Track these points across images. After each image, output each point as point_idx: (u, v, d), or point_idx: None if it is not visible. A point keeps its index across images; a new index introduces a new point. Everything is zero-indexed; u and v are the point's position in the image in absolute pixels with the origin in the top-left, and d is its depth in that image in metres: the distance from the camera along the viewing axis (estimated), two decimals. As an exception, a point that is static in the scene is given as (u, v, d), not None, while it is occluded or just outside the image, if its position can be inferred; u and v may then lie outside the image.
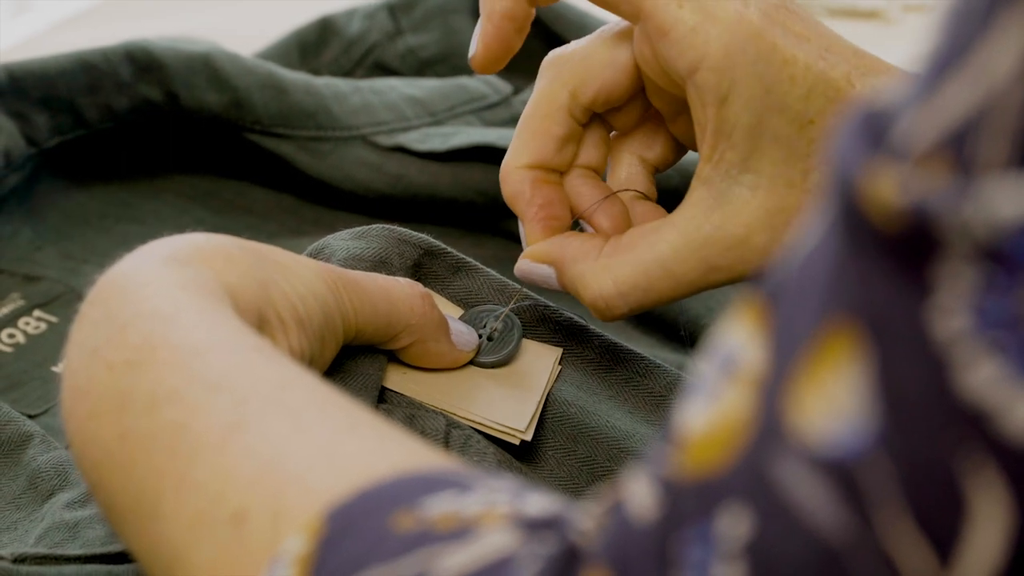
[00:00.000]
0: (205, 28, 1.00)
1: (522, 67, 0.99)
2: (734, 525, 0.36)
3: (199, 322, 0.51)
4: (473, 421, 0.63)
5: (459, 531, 0.41)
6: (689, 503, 0.37)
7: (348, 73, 0.98)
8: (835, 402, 0.34)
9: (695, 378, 0.39)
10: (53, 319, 0.84)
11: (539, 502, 0.42)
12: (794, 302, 0.36)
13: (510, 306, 0.67)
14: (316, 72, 0.97)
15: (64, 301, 0.85)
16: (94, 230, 0.90)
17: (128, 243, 0.63)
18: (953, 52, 0.33)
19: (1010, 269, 0.32)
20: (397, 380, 0.64)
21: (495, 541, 0.41)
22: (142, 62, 0.88)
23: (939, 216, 0.32)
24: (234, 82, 0.89)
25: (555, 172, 0.66)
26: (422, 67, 0.99)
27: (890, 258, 0.33)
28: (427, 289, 0.63)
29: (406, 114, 0.91)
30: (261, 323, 0.55)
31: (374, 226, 0.66)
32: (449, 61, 0.99)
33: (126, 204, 0.92)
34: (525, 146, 0.65)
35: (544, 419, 0.65)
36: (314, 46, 0.99)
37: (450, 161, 0.88)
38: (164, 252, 0.55)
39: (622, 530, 0.39)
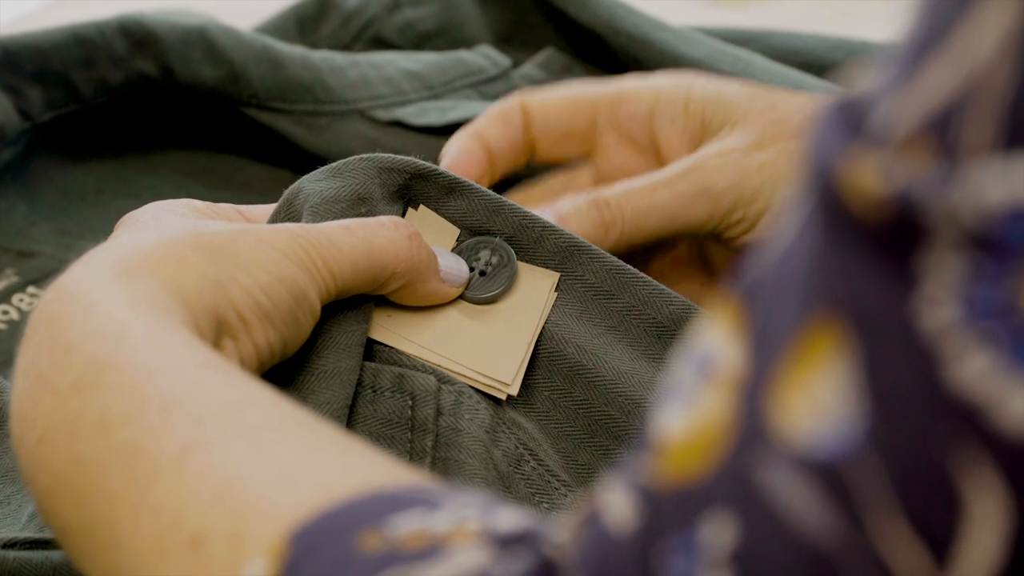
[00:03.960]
0: (202, 2, 0.99)
1: (522, 40, 0.98)
2: (718, 533, 0.35)
3: (148, 342, 0.49)
4: (460, 374, 0.62)
5: (428, 550, 0.40)
6: (670, 511, 0.36)
7: (346, 47, 0.98)
8: (820, 401, 0.33)
9: (671, 381, 0.38)
10: (48, 296, 0.84)
11: (510, 517, 0.41)
12: (772, 299, 0.35)
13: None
14: (314, 46, 0.96)
15: (59, 277, 0.84)
16: (90, 206, 0.90)
17: (124, 219, 0.62)
18: (932, 35, 0.32)
19: (999, 256, 0.31)
20: (383, 327, 0.62)
21: (467, 559, 0.40)
22: (137, 36, 0.88)
23: (924, 203, 0.31)
24: (230, 56, 0.88)
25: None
26: (420, 41, 0.98)
27: (873, 249, 0.32)
28: (416, 223, 0.61)
29: (403, 88, 0.90)
30: (219, 326, 0.53)
31: (352, 158, 0.64)
32: (447, 35, 0.98)
33: (122, 180, 0.91)
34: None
35: (539, 359, 0.64)
36: (312, 20, 0.98)
37: (448, 135, 0.87)
38: (110, 263, 0.53)
39: (600, 541, 0.37)
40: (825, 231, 0.33)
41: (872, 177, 0.32)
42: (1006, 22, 0.31)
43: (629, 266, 0.65)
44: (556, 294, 0.65)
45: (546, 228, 0.65)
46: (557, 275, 0.65)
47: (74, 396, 0.49)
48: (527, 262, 0.65)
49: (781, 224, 0.36)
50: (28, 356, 0.52)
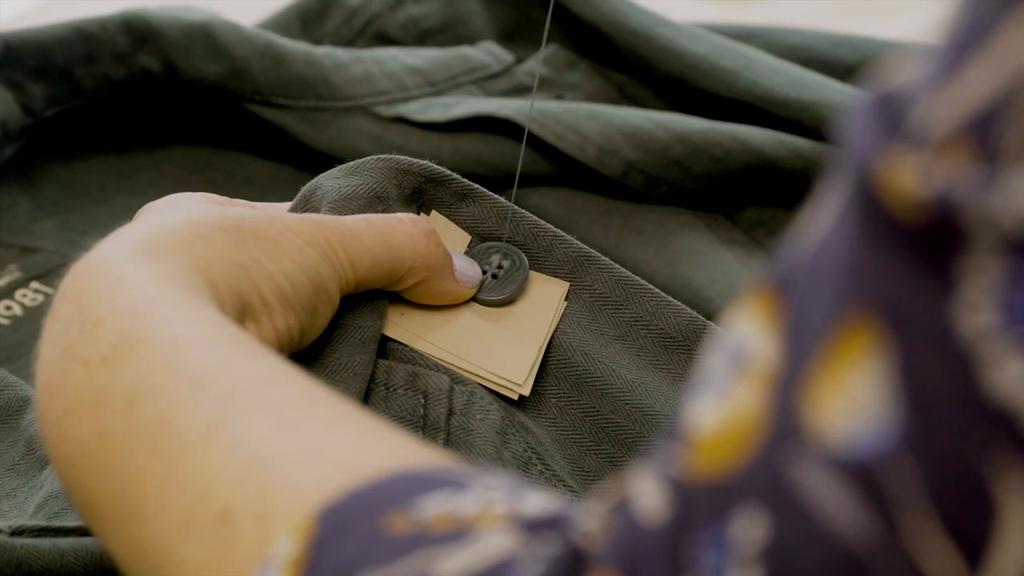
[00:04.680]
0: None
1: (525, 37, 0.98)
2: (750, 529, 0.34)
3: (177, 317, 0.49)
4: (472, 373, 0.62)
5: (456, 533, 0.40)
6: (702, 505, 0.36)
7: (349, 43, 0.97)
8: (855, 400, 0.33)
9: (703, 369, 0.38)
10: (50, 291, 0.84)
11: (538, 501, 0.41)
12: (807, 293, 0.35)
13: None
14: (317, 42, 0.96)
15: (62, 273, 0.83)
16: (93, 201, 0.90)
17: (128, 215, 0.62)
18: (973, 34, 0.32)
19: None
20: (397, 324, 0.62)
21: (494, 543, 0.39)
22: (139, 31, 0.87)
23: (963, 207, 0.31)
24: (233, 51, 0.88)
25: None
26: (423, 37, 0.98)
27: (911, 250, 0.32)
28: (431, 225, 0.62)
29: (407, 84, 0.90)
30: (243, 308, 0.54)
31: (369, 158, 0.65)
32: (451, 31, 0.98)
33: (125, 175, 0.91)
34: None
35: (548, 365, 0.64)
36: (315, 16, 0.98)
37: (451, 131, 0.87)
38: (137, 240, 0.53)
39: (630, 532, 0.37)
40: (862, 228, 0.33)
41: (911, 178, 0.32)
42: None
43: (638, 278, 0.65)
44: (566, 303, 0.65)
45: (556, 237, 0.66)
46: (567, 284, 0.65)
47: (103, 369, 0.49)
48: (537, 270, 0.66)
49: (817, 213, 0.35)
50: (56, 328, 0.51)
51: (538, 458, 0.61)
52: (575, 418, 0.63)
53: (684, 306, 0.65)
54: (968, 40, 0.32)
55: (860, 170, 0.33)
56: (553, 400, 0.63)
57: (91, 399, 0.49)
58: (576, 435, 0.63)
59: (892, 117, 0.33)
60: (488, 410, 0.60)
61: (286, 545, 0.42)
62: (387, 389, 0.61)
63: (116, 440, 0.47)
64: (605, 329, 0.65)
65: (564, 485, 0.61)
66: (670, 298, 0.65)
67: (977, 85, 0.31)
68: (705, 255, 0.83)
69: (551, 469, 0.61)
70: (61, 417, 0.49)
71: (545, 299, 0.65)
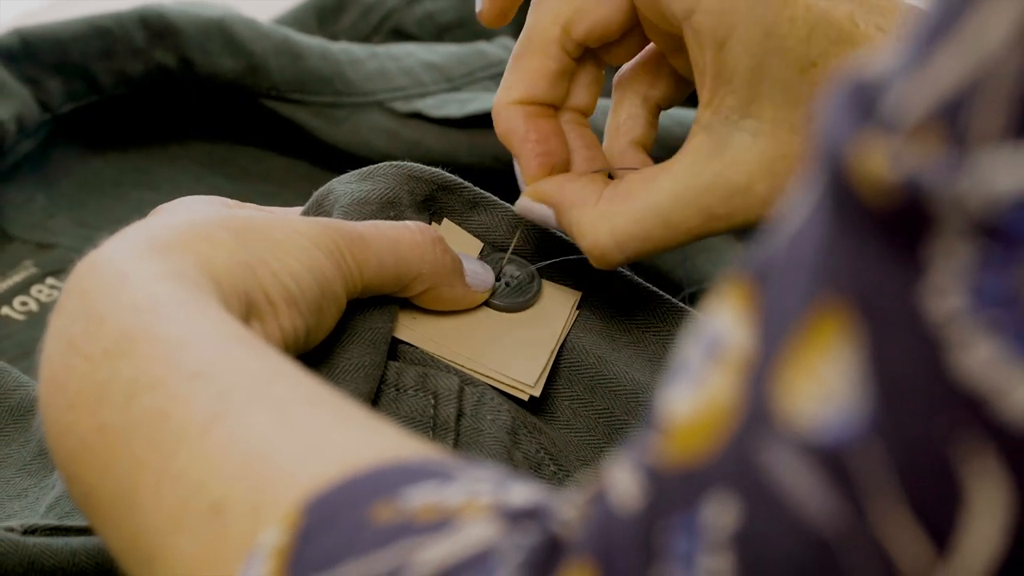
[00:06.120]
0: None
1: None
2: (720, 514, 0.35)
3: (179, 313, 0.50)
4: (483, 375, 0.62)
5: (439, 523, 0.40)
6: (674, 491, 0.36)
7: (366, 39, 0.98)
8: (825, 386, 0.33)
9: (679, 361, 0.38)
10: (67, 287, 0.84)
11: (522, 492, 0.41)
12: (782, 282, 0.35)
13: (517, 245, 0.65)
14: (334, 38, 0.96)
15: (77, 270, 0.84)
16: (109, 197, 0.90)
17: (143, 210, 0.62)
18: (944, 20, 0.32)
19: (1007, 245, 0.31)
20: (408, 327, 0.62)
21: (476, 532, 0.40)
22: (156, 27, 0.88)
23: (932, 191, 0.31)
24: (249, 47, 0.88)
25: (549, 108, 0.64)
26: (440, 32, 0.98)
27: (881, 235, 0.32)
28: (440, 233, 0.62)
29: (423, 80, 0.90)
30: (249, 307, 0.54)
31: (383, 164, 0.65)
32: (467, 26, 0.98)
33: (141, 171, 0.92)
34: (517, 81, 0.63)
35: (560, 369, 0.64)
36: (332, 12, 0.98)
37: (467, 127, 0.87)
38: (143, 238, 0.54)
39: (605, 520, 0.37)
40: (834, 215, 0.33)
41: (881, 163, 0.32)
42: (1017, 10, 0.30)
43: (648, 284, 0.66)
44: (578, 311, 0.65)
45: (565, 245, 0.66)
46: (579, 293, 0.65)
47: (105, 363, 0.49)
48: (547, 279, 0.66)
49: (792, 205, 0.35)
50: (60, 322, 0.52)
51: (551, 458, 0.61)
52: (588, 420, 0.63)
53: (696, 311, 0.65)
54: (939, 28, 0.32)
55: (833, 157, 0.33)
56: (566, 402, 0.63)
57: (92, 394, 0.49)
58: (590, 437, 0.63)
59: (865, 104, 0.33)
60: (498, 411, 0.61)
61: (273, 535, 0.42)
62: (397, 390, 0.61)
63: (115, 435, 0.48)
64: (617, 335, 0.65)
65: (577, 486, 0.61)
66: (680, 303, 0.65)
67: (947, 72, 0.31)
68: (722, 251, 0.83)
69: (564, 469, 0.61)
70: (63, 411, 0.50)
71: (557, 306, 0.65)
